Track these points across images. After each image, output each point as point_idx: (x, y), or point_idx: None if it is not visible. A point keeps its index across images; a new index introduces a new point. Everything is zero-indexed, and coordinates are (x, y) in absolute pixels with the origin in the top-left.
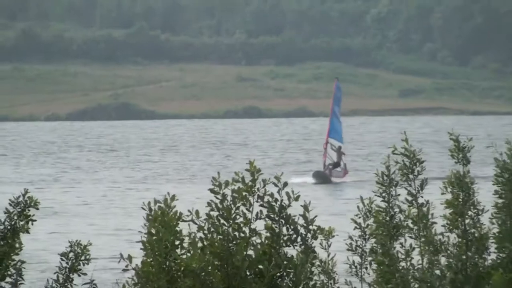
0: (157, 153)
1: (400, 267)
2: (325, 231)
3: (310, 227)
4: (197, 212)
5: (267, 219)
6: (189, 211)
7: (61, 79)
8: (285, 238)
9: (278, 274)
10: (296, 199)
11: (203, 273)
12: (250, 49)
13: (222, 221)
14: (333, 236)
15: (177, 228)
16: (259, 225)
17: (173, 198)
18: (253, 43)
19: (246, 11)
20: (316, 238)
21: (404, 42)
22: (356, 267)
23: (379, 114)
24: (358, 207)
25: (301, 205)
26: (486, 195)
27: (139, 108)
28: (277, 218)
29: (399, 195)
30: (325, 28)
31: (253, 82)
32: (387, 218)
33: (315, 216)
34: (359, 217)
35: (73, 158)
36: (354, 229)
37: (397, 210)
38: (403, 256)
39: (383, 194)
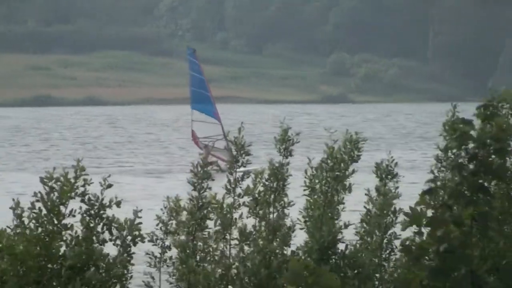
0: None
1: (202, 255)
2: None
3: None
4: (17, 203)
5: (84, 215)
6: (13, 199)
7: None
8: (99, 236)
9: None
10: (118, 204)
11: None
12: (42, 38)
13: (44, 212)
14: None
15: None
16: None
17: None
18: (45, 32)
19: None
20: (135, 244)
21: (197, 31)
22: (155, 257)
23: (171, 103)
24: (163, 205)
25: (133, 209)
26: None
27: None
28: (94, 215)
29: (210, 188)
30: (118, 17)
31: (45, 70)
32: (196, 208)
33: (139, 223)
34: (164, 214)
35: None
36: (157, 225)
37: (205, 201)
38: (207, 245)
39: (195, 184)
